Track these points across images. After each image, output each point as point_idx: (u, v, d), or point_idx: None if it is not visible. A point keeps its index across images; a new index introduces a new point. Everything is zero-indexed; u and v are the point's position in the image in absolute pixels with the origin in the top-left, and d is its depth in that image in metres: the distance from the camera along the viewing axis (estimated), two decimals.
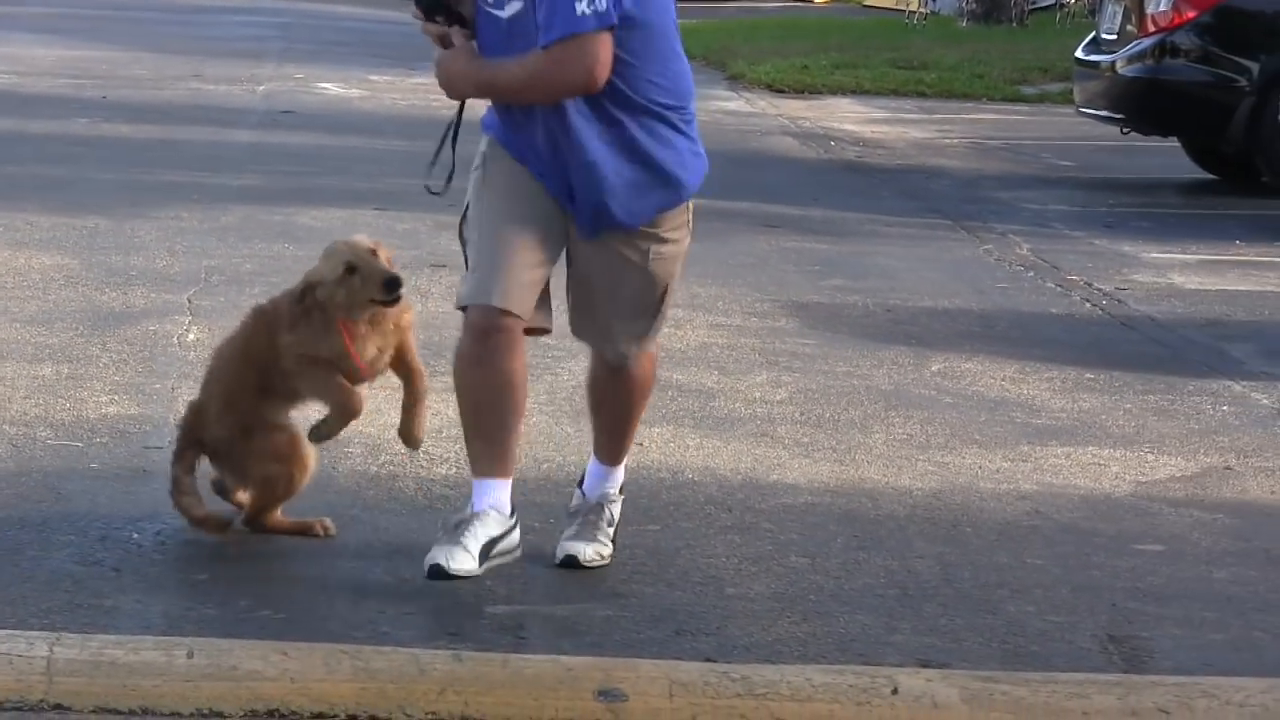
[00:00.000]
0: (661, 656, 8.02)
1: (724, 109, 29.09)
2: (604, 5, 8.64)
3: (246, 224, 16.97)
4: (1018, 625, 8.73)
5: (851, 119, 28.11)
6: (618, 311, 9.36)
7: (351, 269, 9.09)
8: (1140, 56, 21.98)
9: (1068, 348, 14.00)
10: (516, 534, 9.09)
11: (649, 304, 9.34)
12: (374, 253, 9.25)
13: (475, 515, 8.96)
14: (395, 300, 9.18)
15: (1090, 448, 11.49)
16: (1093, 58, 23.08)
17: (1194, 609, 9.03)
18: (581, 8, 8.61)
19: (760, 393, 12.38)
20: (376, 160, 20.30)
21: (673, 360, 12.98)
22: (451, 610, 8.54)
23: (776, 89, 31.26)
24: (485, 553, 8.85)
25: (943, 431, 11.68)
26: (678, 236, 9.29)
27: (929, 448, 11.35)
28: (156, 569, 8.75)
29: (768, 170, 23.10)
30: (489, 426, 9.05)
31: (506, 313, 8.95)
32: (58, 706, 7.36)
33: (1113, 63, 22.33)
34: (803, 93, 30.98)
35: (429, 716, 7.52)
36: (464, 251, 9.30)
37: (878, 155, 24.63)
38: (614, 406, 9.60)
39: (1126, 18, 22.41)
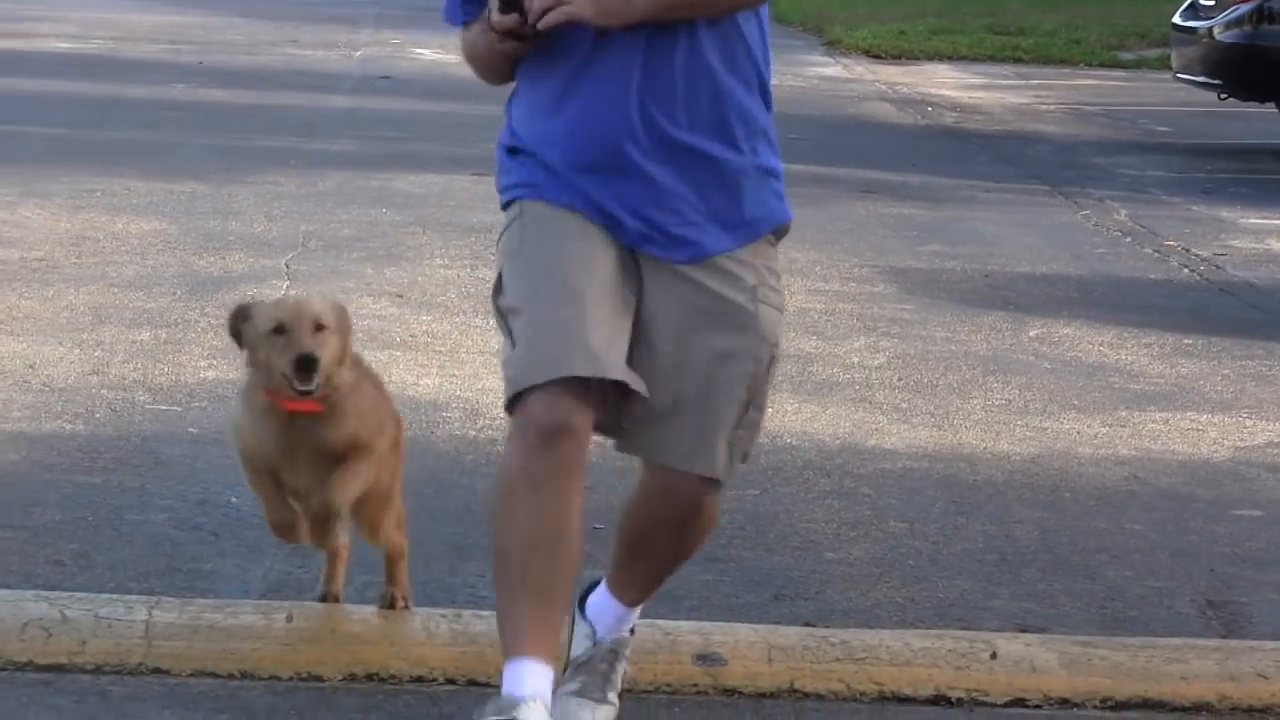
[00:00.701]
0: (760, 621, 8.02)
1: (821, 74, 29.07)
2: None
3: (343, 189, 17.00)
4: (1116, 590, 8.71)
5: (948, 85, 28.06)
6: (714, 390, 6.81)
7: (280, 329, 7.16)
8: (1238, 22, 21.93)
9: (1165, 313, 13.97)
10: None
11: (757, 379, 6.94)
12: (319, 326, 7.25)
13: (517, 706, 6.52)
14: (304, 388, 7.12)
15: (1188, 413, 11.47)
16: (1190, 23, 23.02)
17: None
18: None
19: (858, 358, 12.37)
20: (473, 125, 20.18)
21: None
22: None
23: (873, 55, 31.24)
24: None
25: (1040, 397, 11.66)
26: (777, 270, 6.91)
27: (1027, 413, 11.34)
28: (255, 533, 8.75)
29: (865, 136, 23.07)
30: (541, 579, 6.63)
31: (583, 397, 6.48)
32: (156, 670, 7.37)
33: (1210, 28, 22.27)
34: (899, 58, 30.94)
35: None
36: (504, 327, 6.83)
37: (975, 121, 24.59)
38: (668, 549, 7.12)
39: None
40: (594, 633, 7.23)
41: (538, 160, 6.82)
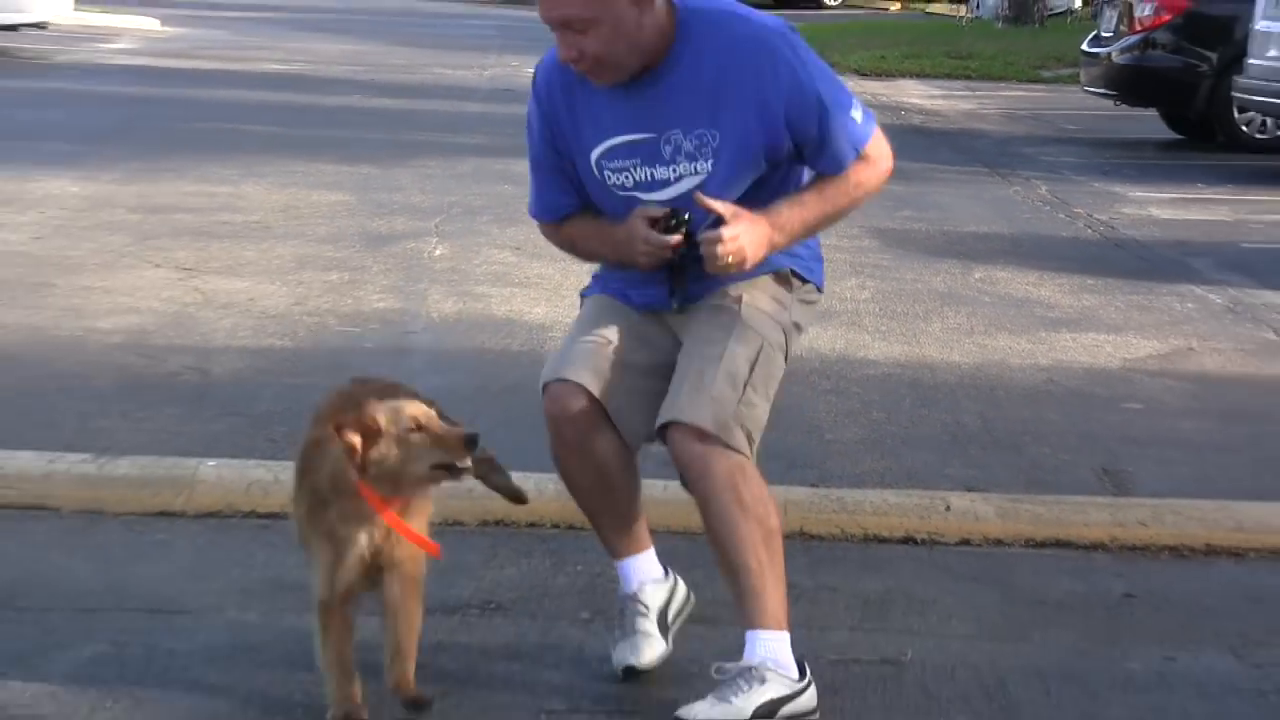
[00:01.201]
0: (778, 484, 8.00)
1: None
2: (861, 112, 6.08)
3: (477, 171, 17.00)
4: (1036, 461, 8.73)
5: (917, 95, 27.95)
6: (695, 360, 6.09)
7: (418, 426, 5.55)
8: (1130, 49, 21.85)
9: (1073, 261, 13.93)
10: (681, 586, 6.54)
11: (744, 361, 6.14)
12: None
13: (633, 597, 6.33)
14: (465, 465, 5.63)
15: (1090, 333, 11.45)
16: (1094, 50, 22.95)
17: (1165, 450, 9.01)
18: (857, 116, 6.03)
19: (850, 293, 12.36)
20: None
21: None
22: None
23: (862, 73, 31.11)
24: (664, 624, 6.33)
25: (982, 322, 11.64)
26: (780, 298, 6.32)
27: (972, 333, 11.32)
28: None
29: None
30: (605, 514, 6.39)
31: (578, 393, 6.12)
32: None
33: (1109, 53, 22.20)
34: (881, 76, 30.84)
35: None
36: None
37: (935, 121, 24.50)
38: (709, 526, 6.09)
39: (1120, 20, 22.28)
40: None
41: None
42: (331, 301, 11.39)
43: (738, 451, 6.04)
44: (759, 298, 6.18)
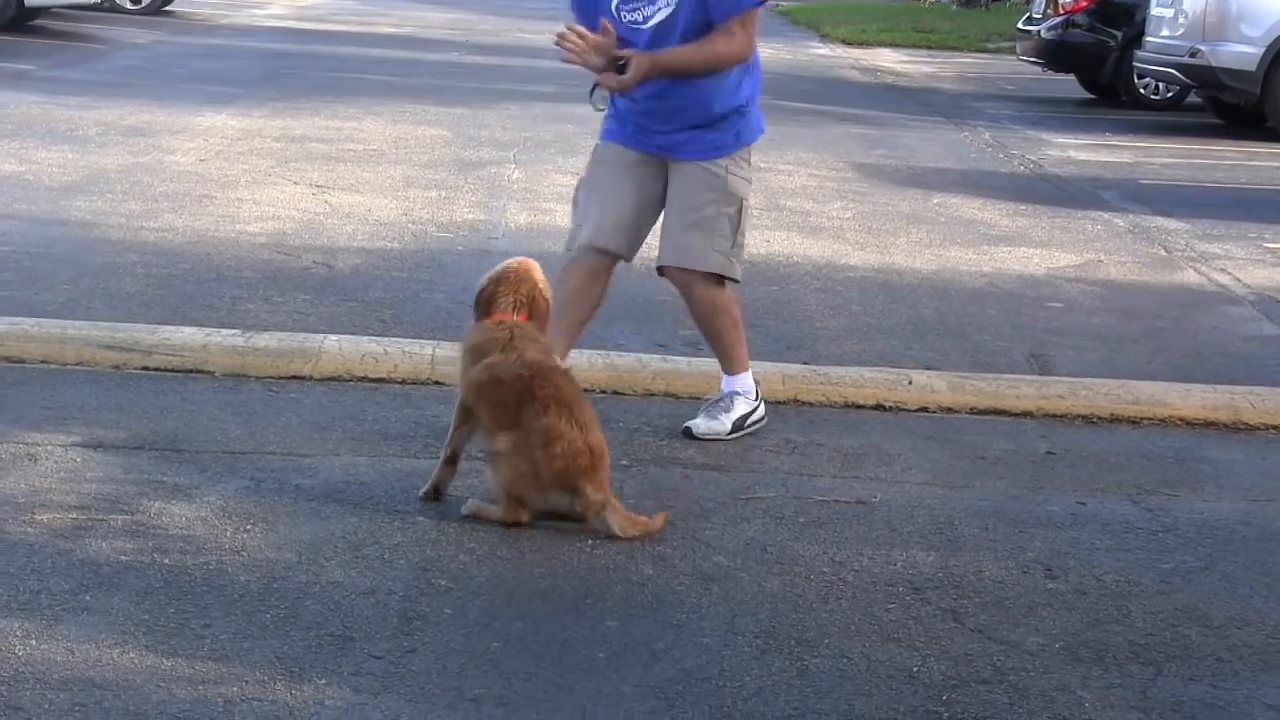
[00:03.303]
0: (777, 361, 7.96)
1: (817, 54, 28.76)
2: None
3: (547, 114, 16.84)
4: (980, 346, 8.63)
5: (890, 60, 27.73)
6: (675, 218, 6.79)
7: None
8: (1055, 27, 21.76)
9: (1010, 191, 13.81)
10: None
11: (727, 219, 6.76)
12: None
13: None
14: None
15: (1022, 248, 11.33)
16: (1028, 28, 22.84)
17: (1080, 340, 8.92)
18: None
19: (836, 213, 12.23)
20: None
21: (788, 194, 12.88)
22: (660, 333, 8.49)
23: (848, 42, 30.90)
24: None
25: (939, 237, 11.52)
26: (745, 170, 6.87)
27: (931, 246, 11.20)
28: None
29: (842, 88, 22.82)
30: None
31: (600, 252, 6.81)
32: (436, 383, 7.35)
33: (1039, 31, 22.08)
34: (862, 45, 30.58)
35: (646, 392, 7.48)
36: (572, 210, 7.06)
37: (904, 81, 24.30)
38: (703, 331, 7.03)
39: (1047, 4, 22.16)
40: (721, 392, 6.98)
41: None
42: (431, 213, 11.28)
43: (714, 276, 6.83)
44: (737, 171, 6.84)
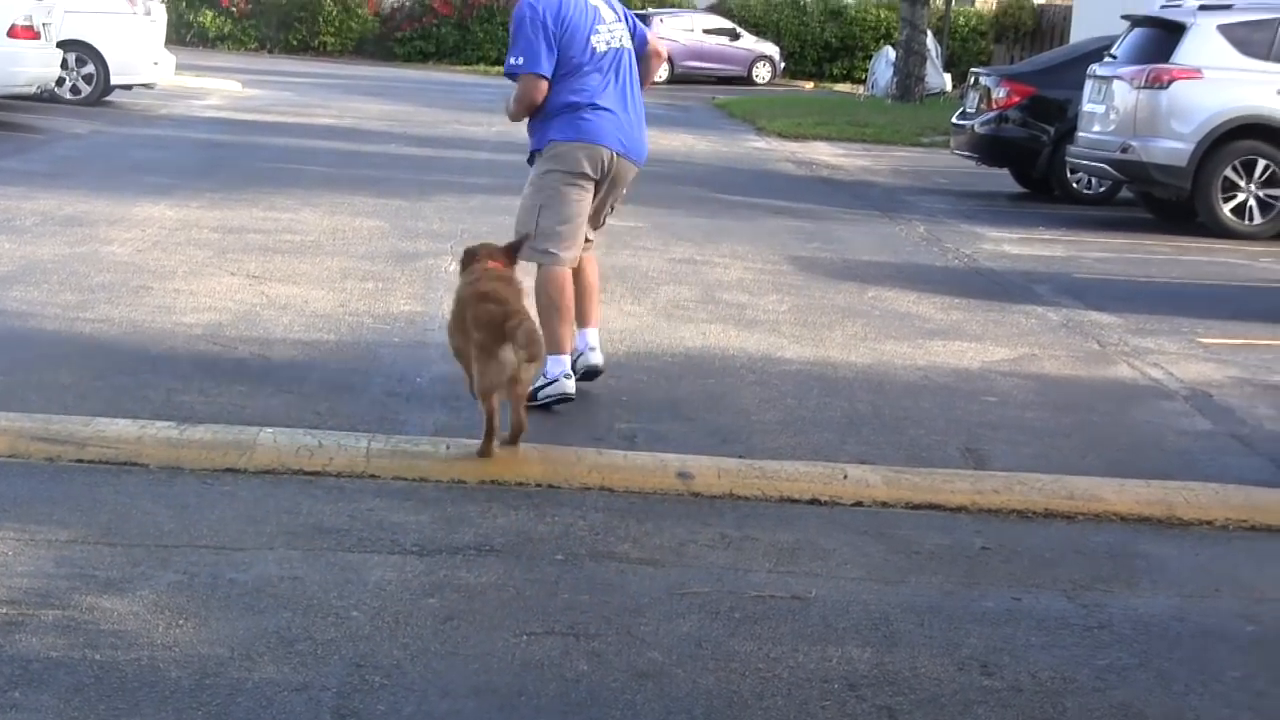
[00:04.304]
0: (713, 454, 7.96)
1: (753, 146, 28.95)
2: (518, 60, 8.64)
3: (484, 205, 16.84)
4: (915, 441, 8.63)
5: (825, 154, 27.89)
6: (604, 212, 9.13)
7: None
8: (988, 122, 21.87)
9: (944, 285, 13.86)
10: (559, 385, 8.54)
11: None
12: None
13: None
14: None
15: (957, 341, 11.36)
16: (961, 122, 22.93)
17: (1015, 434, 8.93)
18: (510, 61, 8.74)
19: (771, 306, 12.26)
20: None
21: (724, 287, 12.91)
22: (597, 426, 8.48)
23: (783, 135, 31.05)
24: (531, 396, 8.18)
25: (874, 331, 11.55)
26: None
27: (866, 339, 11.23)
28: (430, 398, 8.69)
29: (778, 181, 22.95)
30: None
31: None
32: (372, 475, 7.32)
33: (973, 125, 22.19)
34: (797, 138, 30.72)
35: (581, 486, 7.45)
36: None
37: (839, 174, 24.44)
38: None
39: (981, 100, 22.29)
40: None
41: None
42: (367, 305, 11.27)
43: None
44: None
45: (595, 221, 9.09)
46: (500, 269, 8.06)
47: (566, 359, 8.67)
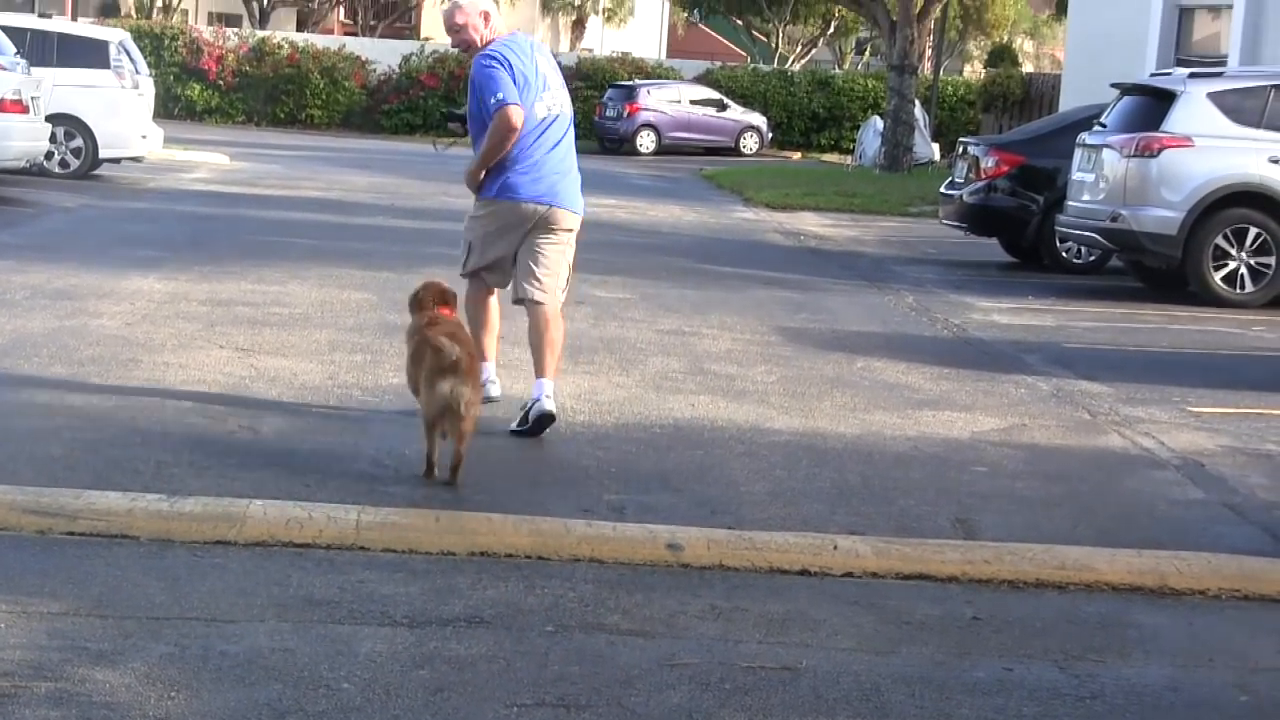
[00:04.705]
0: (703, 526, 7.99)
1: (741, 217, 29.07)
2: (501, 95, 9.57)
3: None
4: (905, 511, 8.65)
5: (813, 224, 28.01)
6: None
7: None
8: (977, 192, 21.97)
9: (933, 355, 13.92)
10: (488, 390, 9.97)
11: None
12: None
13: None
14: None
15: (946, 411, 11.41)
16: (950, 192, 23.03)
17: (1005, 504, 8.96)
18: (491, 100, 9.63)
19: (760, 377, 12.30)
20: None
21: (712, 358, 12.96)
22: (586, 497, 8.50)
23: (771, 206, 31.16)
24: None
25: (863, 401, 11.59)
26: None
27: (855, 410, 11.27)
28: (419, 470, 8.71)
29: (766, 252, 23.04)
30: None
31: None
32: (362, 548, 7.36)
33: (961, 195, 22.30)
34: (785, 209, 30.84)
35: (571, 557, 7.48)
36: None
37: (827, 245, 24.55)
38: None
39: (969, 169, 22.38)
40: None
41: None
42: (356, 377, 11.31)
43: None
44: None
45: (538, 263, 10.07)
46: (450, 315, 9.29)
47: (491, 365, 10.20)
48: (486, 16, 9.93)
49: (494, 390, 10.19)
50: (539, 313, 10.01)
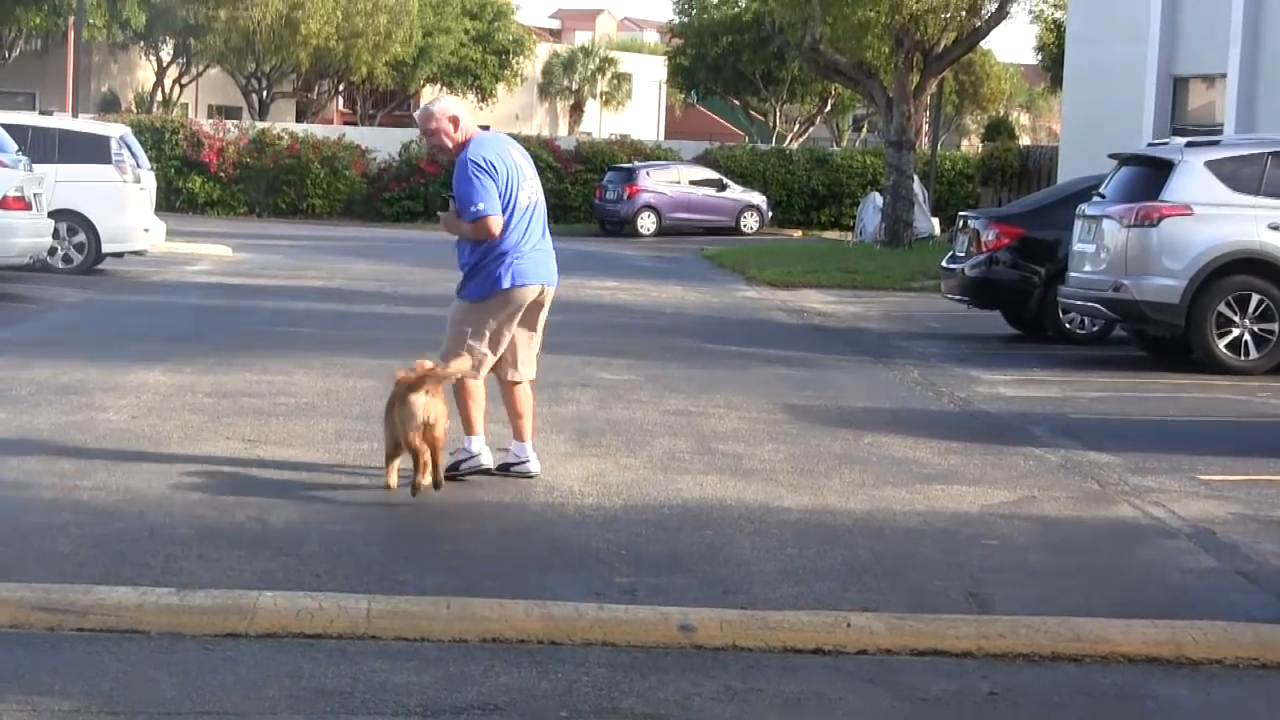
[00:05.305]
0: (715, 606, 7.95)
1: (744, 296, 29.09)
2: (481, 207, 10.42)
3: None
4: (918, 587, 8.62)
5: (816, 301, 28.04)
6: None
7: None
8: (978, 265, 22.01)
9: (940, 429, 13.88)
10: (478, 459, 10.86)
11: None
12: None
13: (460, 449, 10.86)
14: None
15: (955, 485, 11.37)
16: (951, 266, 23.06)
17: (1018, 577, 8.93)
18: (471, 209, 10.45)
19: (768, 455, 12.27)
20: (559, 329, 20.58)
21: (719, 438, 12.93)
22: (596, 580, 8.46)
23: (774, 284, 31.20)
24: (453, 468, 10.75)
25: (871, 477, 11.56)
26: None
27: (864, 486, 11.24)
28: (428, 558, 8.68)
29: (770, 330, 23.06)
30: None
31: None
32: (373, 637, 7.33)
33: (963, 268, 22.32)
34: (788, 286, 30.87)
35: (584, 641, 7.45)
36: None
37: (831, 321, 24.56)
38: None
39: (970, 243, 22.42)
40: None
41: None
42: (364, 465, 11.28)
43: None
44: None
45: (532, 343, 11.02)
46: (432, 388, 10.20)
47: (481, 439, 10.81)
48: (456, 121, 10.70)
49: (534, 466, 10.99)
50: (528, 388, 11.05)
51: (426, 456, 9.96)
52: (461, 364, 10.40)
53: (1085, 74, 36.40)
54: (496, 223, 10.49)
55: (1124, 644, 7.66)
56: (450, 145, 10.73)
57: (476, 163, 10.52)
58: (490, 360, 10.78)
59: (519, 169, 10.71)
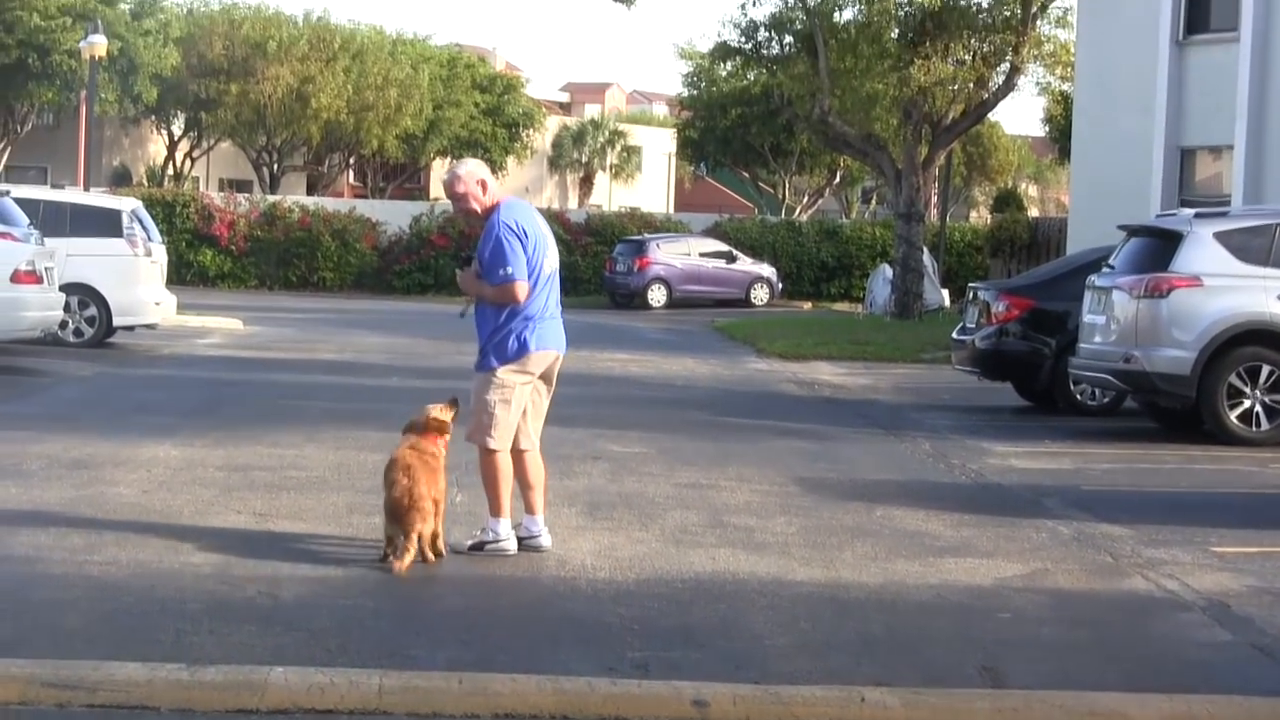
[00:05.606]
0: (728, 680, 7.91)
1: (755, 368, 29.08)
2: (510, 271, 10.50)
3: None
4: (931, 660, 8.58)
5: (827, 373, 28.02)
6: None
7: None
8: (989, 337, 22.01)
9: (952, 501, 13.85)
10: (506, 544, 10.81)
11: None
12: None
13: (484, 529, 10.90)
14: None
15: (969, 558, 11.34)
16: (961, 337, 23.06)
17: (1032, 650, 8.90)
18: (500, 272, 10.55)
19: (780, 528, 12.24)
20: (569, 401, 20.53)
21: (731, 511, 12.90)
22: (609, 655, 8.43)
23: (784, 356, 31.19)
24: (478, 546, 10.82)
25: (883, 550, 11.52)
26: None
27: (876, 559, 11.20)
28: (441, 632, 8.64)
29: (781, 402, 23.04)
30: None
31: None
32: (385, 712, 7.30)
33: (973, 340, 22.32)
34: (798, 358, 30.86)
35: (597, 716, 7.42)
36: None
37: (842, 393, 24.54)
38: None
39: (980, 315, 22.43)
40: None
41: None
42: (375, 539, 11.23)
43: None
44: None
45: (541, 411, 11.14)
46: (431, 443, 10.82)
47: (507, 522, 10.81)
48: (484, 185, 10.77)
49: (545, 541, 11.01)
50: (538, 456, 11.09)
51: (402, 540, 10.18)
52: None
53: (1092, 146, 36.44)
54: (523, 288, 10.58)
55: (1140, 718, 7.62)
56: (479, 209, 10.76)
57: (510, 226, 10.60)
58: (513, 428, 10.80)
59: (545, 237, 10.80)
